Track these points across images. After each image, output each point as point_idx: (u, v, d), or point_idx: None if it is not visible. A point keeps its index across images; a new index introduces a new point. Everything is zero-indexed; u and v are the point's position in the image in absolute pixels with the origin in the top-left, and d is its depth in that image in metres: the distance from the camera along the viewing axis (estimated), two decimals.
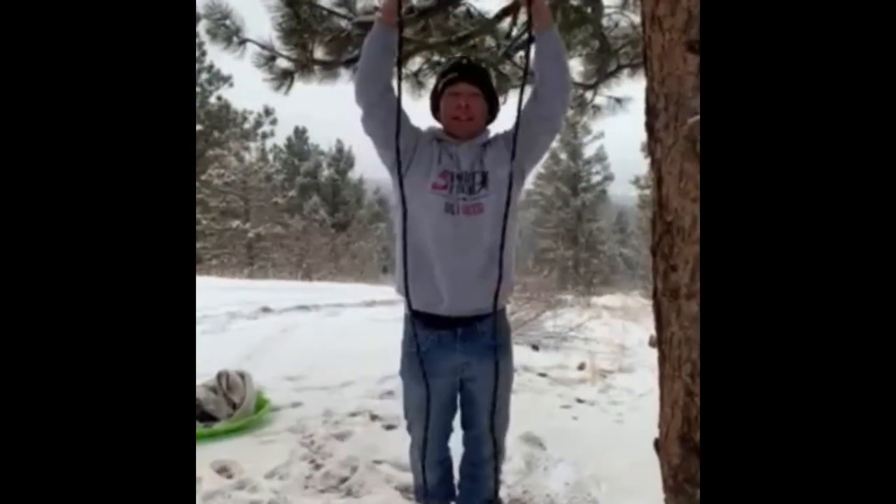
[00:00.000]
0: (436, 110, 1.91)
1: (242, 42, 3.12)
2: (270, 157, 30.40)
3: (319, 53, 3.15)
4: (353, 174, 32.08)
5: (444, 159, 1.79)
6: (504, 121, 1.90)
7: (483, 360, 1.81)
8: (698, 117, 1.22)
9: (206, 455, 2.60)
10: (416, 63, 3.40)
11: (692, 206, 1.25)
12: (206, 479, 2.42)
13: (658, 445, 1.40)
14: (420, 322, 1.83)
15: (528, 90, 1.75)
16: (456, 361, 1.85)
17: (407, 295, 1.80)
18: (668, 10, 1.29)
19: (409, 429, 1.99)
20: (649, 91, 1.39)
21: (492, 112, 1.91)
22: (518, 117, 1.76)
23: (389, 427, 3.09)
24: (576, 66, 3.48)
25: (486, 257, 1.77)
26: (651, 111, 1.38)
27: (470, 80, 1.83)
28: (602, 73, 3.38)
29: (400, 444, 2.79)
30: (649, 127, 1.39)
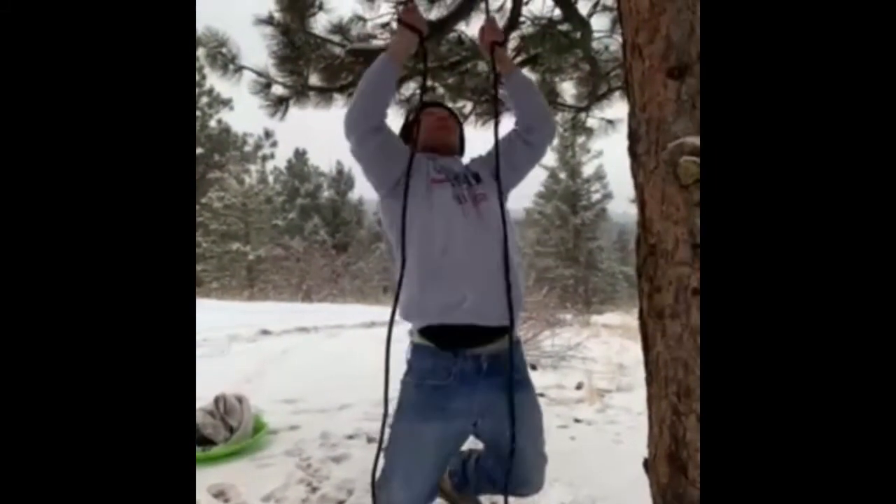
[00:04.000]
0: (407, 141, 1.85)
1: (239, 69, 3.18)
2: (271, 179, 30.56)
3: (314, 80, 3.21)
4: (353, 195, 32.27)
5: (435, 165, 1.80)
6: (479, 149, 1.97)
7: (503, 395, 1.63)
8: (678, 141, 1.26)
9: (204, 479, 2.60)
10: (409, 88, 3.46)
11: (674, 228, 1.27)
12: (203, 503, 2.42)
13: (647, 465, 1.42)
14: (436, 348, 1.63)
15: (508, 124, 1.85)
16: (477, 400, 1.64)
17: (420, 307, 1.63)
18: (647, 38, 1.33)
19: (388, 484, 1.66)
20: (631, 116, 1.43)
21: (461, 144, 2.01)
22: (496, 146, 1.81)
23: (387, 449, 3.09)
24: (568, 89, 3.55)
25: (500, 251, 1.66)
26: (633, 136, 1.41)
27: (440, 107, 1.98)
28: (593, 95, 3.43)
29: None
30: (632, 151, 1.43)
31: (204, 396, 3.28)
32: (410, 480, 1.64)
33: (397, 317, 1.65)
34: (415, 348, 1.68)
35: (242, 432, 3.06)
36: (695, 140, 1.24)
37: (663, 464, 1.33)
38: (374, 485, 1.66)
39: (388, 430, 1.66)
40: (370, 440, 3.24)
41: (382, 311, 10.69)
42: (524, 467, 1.71)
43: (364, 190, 31.74)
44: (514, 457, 1.64)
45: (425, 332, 1.66)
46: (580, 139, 4.37)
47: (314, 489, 2.60)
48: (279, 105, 3.25)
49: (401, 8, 1.91)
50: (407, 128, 1.97)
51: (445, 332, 1.63)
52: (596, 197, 26.49)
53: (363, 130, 1.69)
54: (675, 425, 1.30)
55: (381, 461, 1.69)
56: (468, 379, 1.62)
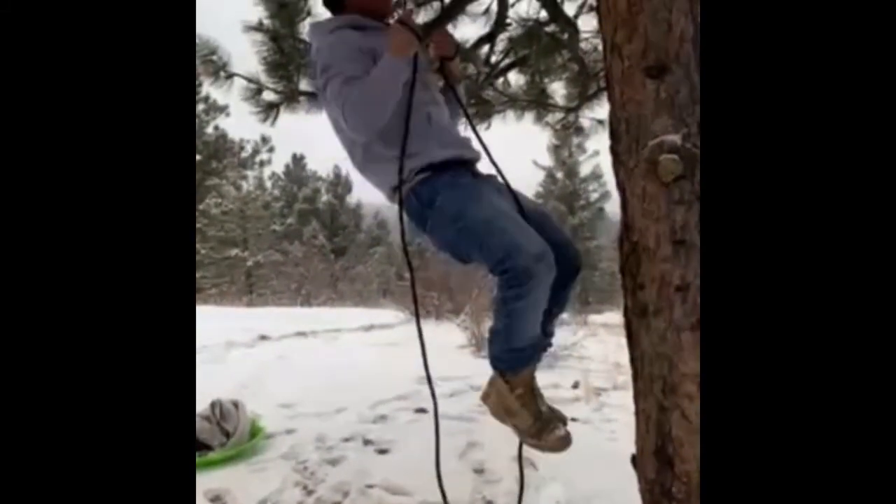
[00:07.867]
0: None
1: (230, 76, 3.20)
2: (269, 184, 30.62)
3: (304, 85, 3.22)
4: (351, 199, 32.30)
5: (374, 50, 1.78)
6: None
7: None
8: (658, 140, 1.27)
9: (200, 484, 2.61)
10: None
11: (656, 225, 1.29)
12: None
13: (635, 461, 1.43)
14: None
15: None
16: None
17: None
18: (625, 38, 1.34)
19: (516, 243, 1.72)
20: (612, 116, 1.44)
21: None
22: None
23: (382, 451, 3.10)
24: (558, 90, 3.57)
25: None
26: (614, 135, 1.43)
27: None
28: (583, 95, 3.45)
29: (392, 468, 2.81)
30: (613, 150, 1.44)
31: (201, 402, 3.29)
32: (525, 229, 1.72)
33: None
34: (435, 183, 1.85)
35: (238, 437, 3.07)
36: (674, 138, 1.25)
37: (650, 459, 1.34)
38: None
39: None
40: (366, 442, 3.25)
41: (381, 314, 10.70)
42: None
43: (362, 194, 31.79)
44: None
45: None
46: (575, 139, 4.39)
47: (310, 492, 2.61)
48: (270, 111, 3.27)
49: (397, 12, 1.94)
50: None
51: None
52: (593, 196, 26.46)
53: (376, 128, 1.77)
54: (660, 421, 1.31)
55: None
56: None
